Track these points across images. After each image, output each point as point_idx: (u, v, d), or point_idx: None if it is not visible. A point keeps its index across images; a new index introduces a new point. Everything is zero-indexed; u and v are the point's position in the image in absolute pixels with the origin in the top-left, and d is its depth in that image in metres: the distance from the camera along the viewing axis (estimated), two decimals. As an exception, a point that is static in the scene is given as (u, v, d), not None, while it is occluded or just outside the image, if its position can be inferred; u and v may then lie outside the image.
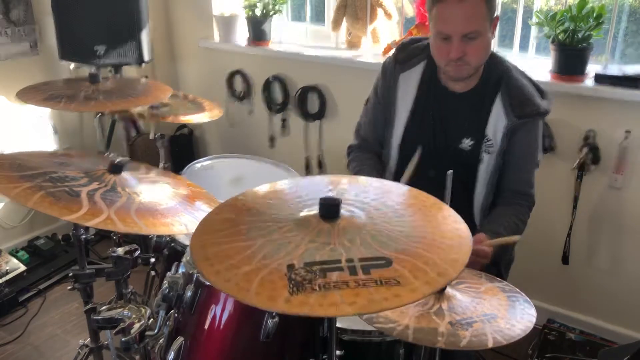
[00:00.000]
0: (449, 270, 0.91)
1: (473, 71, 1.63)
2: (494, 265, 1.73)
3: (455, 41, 1.56)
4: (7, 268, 2.64)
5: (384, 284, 0.86)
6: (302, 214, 1.04)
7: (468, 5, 1.52)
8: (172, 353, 1.31)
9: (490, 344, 1.08)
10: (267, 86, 2.99)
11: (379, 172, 1.81)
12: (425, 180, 1.71)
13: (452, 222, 1.06)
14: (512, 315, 1.18)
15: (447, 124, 1.73)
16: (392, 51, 1.82)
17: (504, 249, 1.63)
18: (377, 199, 1.13)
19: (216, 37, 3.12)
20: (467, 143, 1.70)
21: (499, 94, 1.65)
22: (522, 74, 1.69)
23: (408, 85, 1.74)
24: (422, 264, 0.91)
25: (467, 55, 1.57)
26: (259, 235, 1.00)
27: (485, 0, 1.53)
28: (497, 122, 1.65)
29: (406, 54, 1.75)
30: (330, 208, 1.02)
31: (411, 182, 1.77)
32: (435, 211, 1.10)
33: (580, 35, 2.08)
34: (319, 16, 3.03)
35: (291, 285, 0.86)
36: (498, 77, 1.67)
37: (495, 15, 1.59)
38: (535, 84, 1.68)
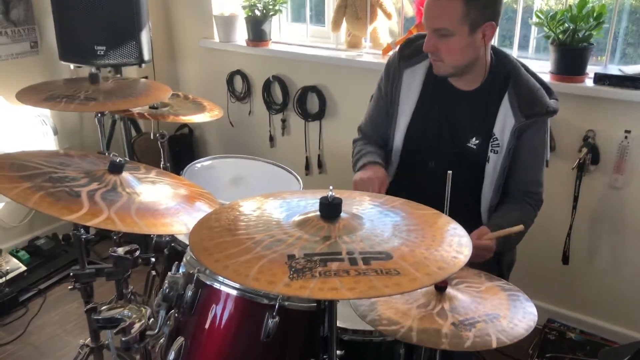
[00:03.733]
0: (449, 265, 0.91)
1: (451, 70, 1.63)
2: (497, 264, 1.73)
3: (428, 34, 1.59)
4: (8, 268, 2.64)
5: (384, 273, 0.86)
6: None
7: (443, 2, 1.54)
8: (173, 353, 1.31)
9: (494, 344, 1.08)
10: (267, 86, 2.99)
11: (381, 155, 1.79)
12: (427, 175, 1.72)
13: (452, 229, 1.06)
14: (514, 314, 1.18)
15: (454, 123, 1.72)
16: (397, 47, 1.81)
17: (507, 244, 1.61)
18: (378, 205, 1.14)
19: (216, 37, 3.12)
20: (473, 142, 1.70)
21: (507, 92, 1.63)
22: (530, 71, 1.68)
23: (412, 81, 1.73)
24: (422, 259, 0.92)
25: (440, 51, 1.59)
26: (257, 231, 1.00)
27: (464, 2, 1.51)
28: (504, 121, 1.63)
29: (412, 50, 1.74)
30: (331, 207, 1.02)
31: (413, 179, 1.77)
32: (435, 218, 1.10)
33: (580, 35, 2.08)
34: (318, 16, 3.03)
35: (291, 272, 0.86)
36: (505, 75, 1.65)
37: (487, 22, 1.55)
38: (542, 82, 1.67)
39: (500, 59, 1.68)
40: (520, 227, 1.49)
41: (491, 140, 1.66)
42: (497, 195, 1.69)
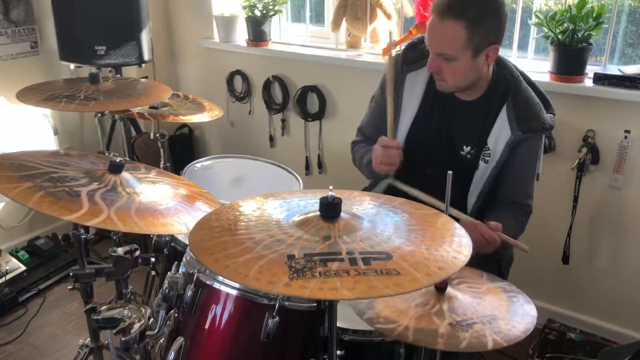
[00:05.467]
0: (449, 266, 0.91)
1: (454, 89, 1.63)
2: (497, 262, 1.74)
3: (432, 56, 1.59)
4: (7, 268, 2.64)
5: (384, 273, 0.87)
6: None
7: (446, 28, 1.51)
8: (173, 353, 1.31)
9: (490, 346, 1.08)
10: (267, 86, 2.99)
11: None
12: (425, 180, 1.72)
13: (452, 228, 1.06)
14: (512, 316, 1.18)
15: (452, 131, 1.72)
16: (400, 48, 1.80)
17: (503, 246, 1.62)
18: (378, 205, 1.14)
19: (216, 37, 3.12)
20: (468, 151, 1.70)
21: (505, 105, 1.64)
22: (531, 83, 1.68)
23: (415, 86, 1.73)
24: (422, 259, 0.92)
25: (443, 72, 1.59)
26: (257, 231, 1.00)
27: (467, 29, 1.49)
28: (500, 133, 1.64)
29: (415, 53, 1.74)
30: (331, 207, 1.02)
31: (411, 180, 1.77)
32: (435, 218, 1.10)
33: (579, 35, 2.08)
34: (318, 17, 3.04)
35: (291, 272, 0.86)
36: (506, 87, 1.65)
37: (490, 45, 1.54)
38: (542, 95, 1.67)
39: (502, 70, 1.67)
40: (526, 247, 1.55)
41: (483, 149, 1.67)
42: (478, 202, 1.70)
